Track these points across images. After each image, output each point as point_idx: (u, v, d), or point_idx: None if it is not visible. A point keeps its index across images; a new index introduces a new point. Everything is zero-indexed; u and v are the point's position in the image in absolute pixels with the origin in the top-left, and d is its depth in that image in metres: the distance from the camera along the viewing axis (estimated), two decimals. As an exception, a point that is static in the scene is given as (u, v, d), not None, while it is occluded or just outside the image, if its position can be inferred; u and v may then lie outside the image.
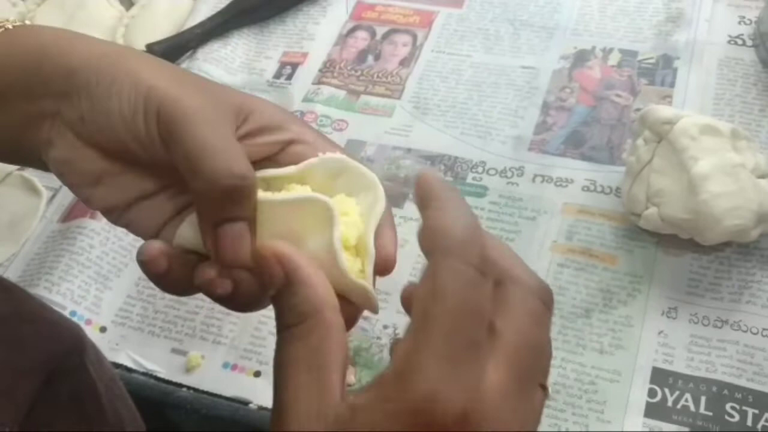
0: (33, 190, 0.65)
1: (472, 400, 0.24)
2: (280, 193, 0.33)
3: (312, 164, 0.33)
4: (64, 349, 0.41)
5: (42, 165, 0.37)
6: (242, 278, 0.32)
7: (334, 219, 0.31)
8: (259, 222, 0.32)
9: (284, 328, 0.28)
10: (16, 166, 0.66)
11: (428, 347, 0.24)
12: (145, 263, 0.33)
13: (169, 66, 0.36)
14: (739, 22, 0.64)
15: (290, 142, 0.35)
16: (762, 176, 0.50)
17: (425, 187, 0.28)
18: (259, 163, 0.34)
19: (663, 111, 0.51)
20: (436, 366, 0.24)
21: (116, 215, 0.36)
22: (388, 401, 0.24)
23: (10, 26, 0.37)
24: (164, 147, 0.33)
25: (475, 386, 0.24)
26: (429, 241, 0.26)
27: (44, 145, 0.36)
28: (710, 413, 0.46)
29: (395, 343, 0.27)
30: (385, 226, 0.33)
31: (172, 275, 0.33)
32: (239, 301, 0.33)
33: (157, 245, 0.33)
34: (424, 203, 0.28)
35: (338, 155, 0.33)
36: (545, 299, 0.28)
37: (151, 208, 0.36)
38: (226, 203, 0.32)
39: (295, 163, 0.34)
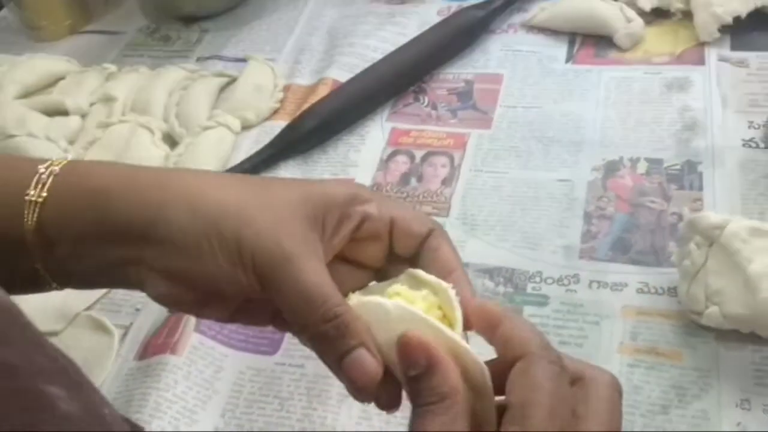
0: (103, 329, 0.67)
1: None
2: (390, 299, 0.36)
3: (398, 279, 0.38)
4: None
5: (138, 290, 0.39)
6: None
7: (455, 306, 0.35)
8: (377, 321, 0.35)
9: (423, 405, 0.33)
10: (83, 308, 0.69)
11: (535, 427, 0.31)
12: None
13: (243, 195, 0.37)
14: (749, 127, 0.71)
15: (361, 224, 0.39)
16: (807, 270, 0.54)
17: (488, 311, 0.36)
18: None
19: (711, 218, 0.56)
20: None
21: (233, 321, 0.40)
22: None
23: (57, 168, 0.38)
24: (263, 290, 0.36)
25: None
26: (514, 348, 0.34)
27: (137, 284, 0.38)
28: (800, 498, 0.49)
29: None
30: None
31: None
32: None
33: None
34: (493, 322, 0.35)
35: (417, 271, 0.38)
36: (619, 390, 0.36)
37: (258, 306, 0.39)
38: (337, 339, 0.35)
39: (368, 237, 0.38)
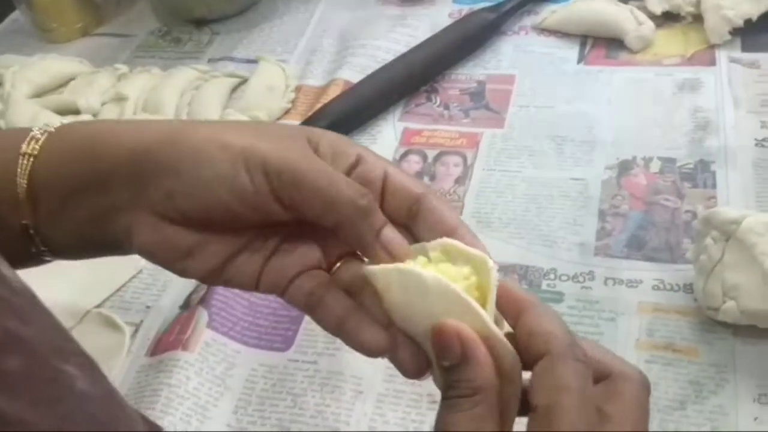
0: (113, 326, 0.66)
1: None
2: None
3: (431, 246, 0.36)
4: None
5: (120, 251, 0.39)
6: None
7: (492, 285, 0.34)
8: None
9: (454, 396, 0.33)
10: (93, 305, 0.68)
11: (559, 428, 0.31)
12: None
13: (234, 123, 0.40)
14: (762, 127, 0.71)
15: (356, 165, 0.38)
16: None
17: (510, 296, 0.34)
18: None
19: (727, 213, 0.55)
20: None
21: (213, 279, 0.38)
22: None
23: (52, 129, 0.39)
24: (279, 197, 0.35)
25: None
26: (538, 343, 0.33)
27: (124, 233, 0.37)
28: (821, 493, 0.48)
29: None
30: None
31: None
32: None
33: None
34: (518, 308, 0.34)
35: (455, 242, 0.36)
36: (647, 387, 0.35)
37: (244, 263, 0.38)
38: (369, 216, 0.35)
39: (361, 182, 0.37)
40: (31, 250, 0.39)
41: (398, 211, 0.38)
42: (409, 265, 0.34)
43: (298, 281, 0.38)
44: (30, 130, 0.38)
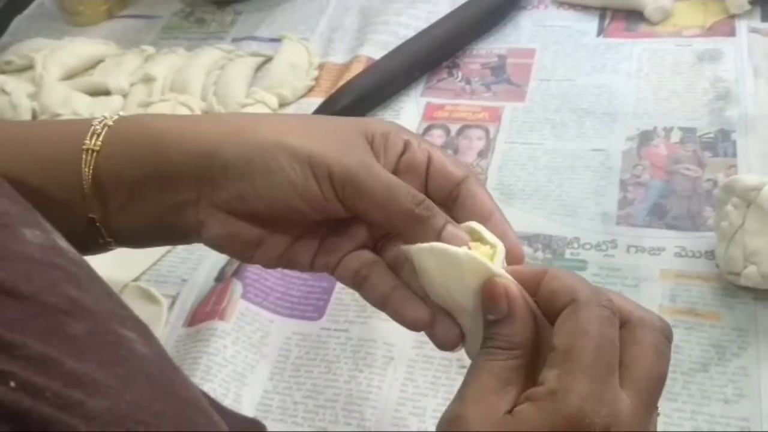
0: (151, 299, 0.69)
1: (611, 415, 0.30)
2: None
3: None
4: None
5: (187, 242, 0.40)
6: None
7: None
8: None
9: (494, 347, 0.34)
10: (131, 278, 0.71)
11: (578, 372, 0.31)
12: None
13: (296, 120, 0.40)
14: (781, 96, 0.72)
15: (403, 152, 0.39)
16: (844, 229, 0.55)
17: (529, 269, 0.35)
18: None
19: (748, 179, 0.57)
20: (585, 387, 0.30)
21: (275, 264, 0.40)
22: (543, 411, 0.30)
23: (110, 122, 0.39)
24: (342, 202, 0.37)
25: (614, 406, 0.30)
26: (561, 297, 0.33)
27: (193, 227, 0.39)
28: (841, 449, 0.50)
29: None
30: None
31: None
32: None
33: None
34: (535, 279, 0.34)
35: (479, 227, 0.38)
36: (666, 333, 0.35)
37: (302, 248, 0.40)
38: (426, 222, 0.37)
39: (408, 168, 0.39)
40: (98, 241, 0.40)
41: (440, 193, 0.40)
42: (441, 244, 0.36)
43: (346, 260, 0.40)
44: (89, 123, 0.39)
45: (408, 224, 0.37)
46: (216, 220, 0.38)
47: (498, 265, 0.36)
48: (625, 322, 0.34)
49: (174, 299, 0.68)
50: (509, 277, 0.35)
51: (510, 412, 0.31)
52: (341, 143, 0.38)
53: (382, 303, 0.39)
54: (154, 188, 0.38)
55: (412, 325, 0.38)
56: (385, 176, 0.37)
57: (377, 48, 0.85)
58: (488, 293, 0.34)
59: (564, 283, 0.34)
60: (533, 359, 0.34)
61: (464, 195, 0.39)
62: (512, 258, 0.38)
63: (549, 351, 0.33)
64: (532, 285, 0.35)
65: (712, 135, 0.70)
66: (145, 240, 0.42)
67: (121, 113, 0.42)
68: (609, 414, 0.30)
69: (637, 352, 0.33)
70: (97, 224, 0.40)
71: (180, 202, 0.38)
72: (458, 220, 0.39)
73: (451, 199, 0.39)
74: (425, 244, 0.36)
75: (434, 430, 0.33)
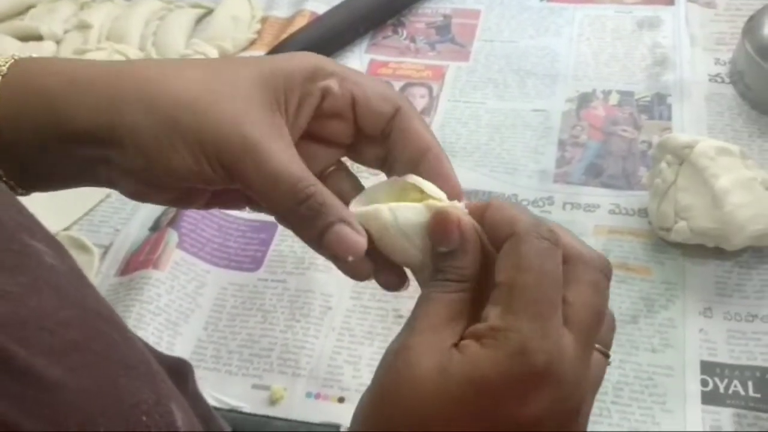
0: (83, 248, 0.67)
1: (553, 352, 0.30)
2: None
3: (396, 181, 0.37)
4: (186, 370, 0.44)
5: (98, 186, 0.38)
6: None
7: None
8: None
9: (442, 279, 0.33)
10: (63, 227, 0.69)
11: (519, 310, 0.30)
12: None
13: (204, 84, 0.36)
14: (715, 63, 0.74)
15: (323, 100, 0.37)
16: (769, 188, 0.57)
17: (473, 204, 0.34)
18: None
19: (682, 137, 0.58)
20: (526, 324, 0.30)
21: (204, 208, 0.40)
22: (486, 347, 0.30)
23: (4, 69, 0.36)
24: (232, 180, 0.35)
25: (556, 343, 0.30)
26: (501, 229, 0.32)
27: (107, 184, 0.37)
28: (759, 395, 0.52)
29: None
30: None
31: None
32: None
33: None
34: (478, 211, 0.33)
35: (419, 180, 0.36)
36: (605, 272, 0.33)
37: (233, 191, 0.38)
38: (313, 218, 0.35)
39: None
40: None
41: (372, 131, 0.38)
42: (371, 206, 0.35)
43: None
44: None
45: (292, 221, 0.35)
46: (127, 182, 0.37)
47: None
48: (567, 258, 0.33)
49: (107, 249, 0.66)
50: (461, 206, 0.34)
51: (456, 345, 0.31)
52: (239, 111, 0.35)
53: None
54: (60, 143, 0.36)
55: (357, 276, 0.37)
56: (273, 164, 0.34)
57: (321, 3, 0.84)
58: (440, 224, 0.33)
59: (506, 214, 0.32)
60: (482, 291, 0.33)
61: (396, 131, 0.37)
62: (452, 196, 0.37)
63: (493, 285, 0.32)
64: (477, 218, 0.34)
65: (648, 98, 0.72)
66: (60, 187, 0.39)
67: (16, 56, 0.38)
68: (551, 351, 0.30)
69: (577, 290, 0.32)
70: (4, 179, 0.37)
71: (89, 158, 0.36)
72: (396, 158, 0.38)
73: (384, 137, 0.38)
74: (362, 209, 0.35)
75: (372, 374, 0.33)
